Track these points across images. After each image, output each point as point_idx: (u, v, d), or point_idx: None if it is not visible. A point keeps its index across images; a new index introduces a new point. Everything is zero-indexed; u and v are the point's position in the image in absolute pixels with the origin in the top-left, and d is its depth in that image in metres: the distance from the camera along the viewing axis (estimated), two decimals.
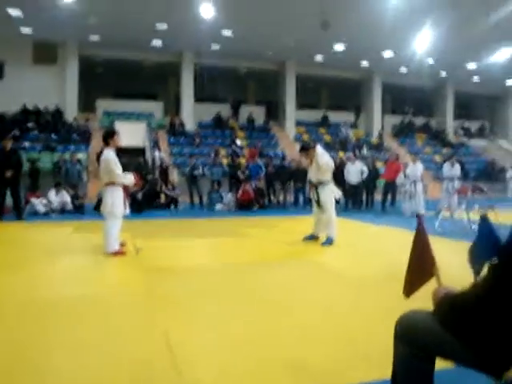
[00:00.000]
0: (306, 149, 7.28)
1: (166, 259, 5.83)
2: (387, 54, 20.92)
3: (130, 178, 6.19)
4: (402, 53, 20.35)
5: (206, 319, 3.41)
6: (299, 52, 21.28)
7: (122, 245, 6.21)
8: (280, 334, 3.08)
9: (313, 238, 7.14)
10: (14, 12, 16.39)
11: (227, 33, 18.45)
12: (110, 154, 6.00)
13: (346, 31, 17.98)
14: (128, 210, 6.42)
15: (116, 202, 6.02)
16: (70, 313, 3.55)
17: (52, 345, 2.88)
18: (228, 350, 2.81)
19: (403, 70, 23.50)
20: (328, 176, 7.04)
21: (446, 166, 12.08)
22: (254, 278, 4.78)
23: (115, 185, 6.04)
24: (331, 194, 7.08)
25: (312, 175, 7.17)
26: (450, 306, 1.59)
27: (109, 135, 6.18)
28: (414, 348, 1.73)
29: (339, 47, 20.04)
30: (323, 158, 7.02)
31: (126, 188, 6.34)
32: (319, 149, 7.21)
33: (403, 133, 25.40)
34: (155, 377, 2.46)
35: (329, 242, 6.80)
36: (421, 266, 1.91)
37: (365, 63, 23.08)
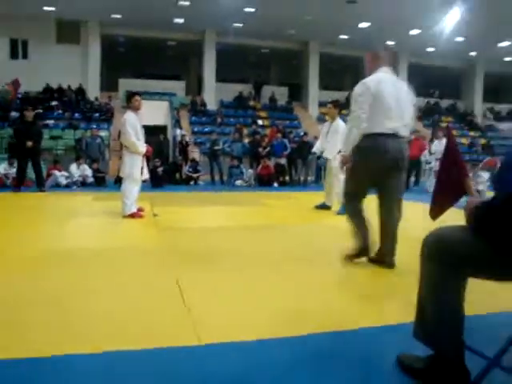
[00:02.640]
0: (338, 103, 7.20)
1: (182, 221, 5.80)
2: (414, 32, 20.32)
3: (141, 147, 5.93)
4: (429, 31, 19.72)
5: (217, 271, 3.34)
6: (323, 31, 20.80)
7: (140, 210, 6.15)
8: (287, 287, 2.99)
9: (324, 206, 7.04)
10: None
11: (250, 9, 18.15)
12: (127, 115, 5.93)
13: (372, 8, 17.47)
14: (147, 175, 6.37)
15: (135, 166, 5.96)
16: (87, 262, 3.54)
17: (71, 289, 2.85)
18: (236, 297, 2.73)
19: (430, 49, 22.84)
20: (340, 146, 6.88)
21: None
22: (267, 238, 4.74)
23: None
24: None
25: (324, 144, 7.06)
26: (487, 209, 1.44)
27: (128, 97, 6.14)
28: (445, 264, 1.58)
29: (364, 25, 19.54)
30: (343, 127, 6.91)
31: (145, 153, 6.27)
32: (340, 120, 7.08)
33: (429, 115, 24.74)
34: (167, 316, 2.45)
35: (343, 210, 6.61)
36: (451, 183, 1.75)
37: (390, 42, 22.48)
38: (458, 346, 1.64)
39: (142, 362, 1.86)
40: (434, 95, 26.42)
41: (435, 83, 26.36)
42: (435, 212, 1.83)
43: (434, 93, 26.47)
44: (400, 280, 3.10)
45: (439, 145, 11.58)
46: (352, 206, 3.58)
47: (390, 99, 3.30)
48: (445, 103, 25.95)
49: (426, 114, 24.80)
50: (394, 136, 3.31)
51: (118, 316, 2.37)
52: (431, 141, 13.15)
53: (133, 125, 5.87)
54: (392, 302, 2.68)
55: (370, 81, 3.38)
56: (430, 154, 11.73)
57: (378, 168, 3.34)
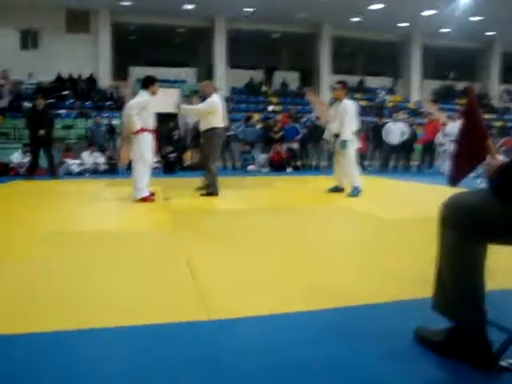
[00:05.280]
0: (345, 84, 7.21)
1: (193, 205, 5.81)
2: (427, 13, 19.86)
3: (137, 124, 5.82)
4: (443, 11, 19.25)
5: (228, 251, 3.33)
6: (334, 13, 20.42)
7: (152, 194, 6.12)
8: (299, 264, 2.96)
9: (337, 189, 6.94)
10: None
11: None
12: (142, 96, 5.90)
13: None
14: (158, 157, 6.36)
15: (146, 149, 5.92)
16: (104, 243, 3.56)
17: (89, 270, 2.82)
18: (246, 275, 2.70)
19: (444, 30, 22.32)
20: (351, 126, 6.75)
21: None
22: (278, 219, 4.69)
23: (145, 131, 5.93)
24: (352, 142, 6.77)
25: (334, 126, 6.89)
26: (509, 170, 1.35)
27: (149, 81, 6.05)
28: (464, 228, 1.50)
29: (376, 6, 19.15)
30: (351, 106, 6.79)
31: (156, 135, 6.25)
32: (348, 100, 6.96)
33: (443, 98, 24.30)
34: (179, 297, 2.42)
35: (355, 192, 6.52)
36: (472, 145, 1.65)
37: (403, 24, 22.03)
38: (478, 317, 1.56)
39: (150, 335, 1.87)
40: (449, 77, 25.91)
41: (450, 65, 25.86)
42: (455, 177, 1.74)
43: (448, 74, 25.96)
44: (416, 258, 3.05)
45: (453, 126, 11.35)
46: (215, 165, 6.60)
47: (220, 109, 6.54)
48: (460, 85, 25.41)
49: (440, 97, 24.39)
50: (224, 128, 6.80)
51: (129, 294, 2.37)
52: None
53: (141, 104, 5.83)
54: (407, 277, 2.60)
55: (214, 98, 6.52)
56: (444, 136, 11.50)
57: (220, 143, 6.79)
